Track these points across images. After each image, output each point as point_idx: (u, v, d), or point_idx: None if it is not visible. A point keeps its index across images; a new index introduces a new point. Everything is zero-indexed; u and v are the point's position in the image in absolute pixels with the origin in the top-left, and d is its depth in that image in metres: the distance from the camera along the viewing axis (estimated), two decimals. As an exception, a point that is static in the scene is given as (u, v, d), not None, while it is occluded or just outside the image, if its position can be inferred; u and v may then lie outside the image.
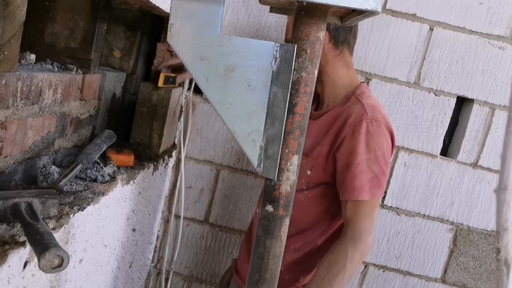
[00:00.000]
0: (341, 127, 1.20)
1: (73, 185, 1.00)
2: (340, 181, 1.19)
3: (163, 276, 1.84)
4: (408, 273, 1.77)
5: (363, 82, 1.30)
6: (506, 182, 0.44)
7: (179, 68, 1.51)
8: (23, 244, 0.70)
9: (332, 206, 1.25)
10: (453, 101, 1.67)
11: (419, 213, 1.73)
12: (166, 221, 1.81)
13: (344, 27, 1.24)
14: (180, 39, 0.62)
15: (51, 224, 0.80)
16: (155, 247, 1.82)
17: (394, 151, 1.69)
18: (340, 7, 0.59)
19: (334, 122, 1.22)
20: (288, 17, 1.38)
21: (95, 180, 1.07)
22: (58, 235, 0.80)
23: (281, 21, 1.66)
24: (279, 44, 0.62)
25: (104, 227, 1.08)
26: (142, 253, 1.60)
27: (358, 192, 1.15)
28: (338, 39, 1.23)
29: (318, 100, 1.35)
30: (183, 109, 1.72)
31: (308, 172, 1.25)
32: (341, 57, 1.26)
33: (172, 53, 1.60)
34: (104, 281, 1.20)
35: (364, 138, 1.15)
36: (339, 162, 1.19)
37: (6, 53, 0.79)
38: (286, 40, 1.39)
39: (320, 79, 1.28)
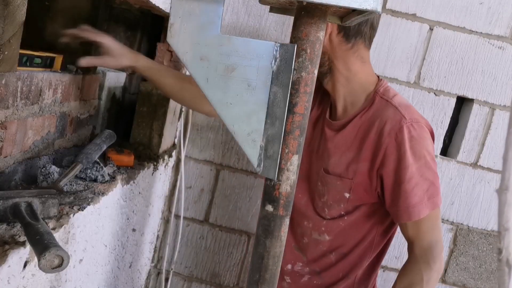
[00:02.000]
0: (378, 137, 1.06)
1: (73, 185, 1.00)
2: (392, 202, 1.06)
3: (163, 276, 1.84)
4: (408, 273, 1.77)
5: (381, 78, 1.18)
6: (508, 183, 0.44)
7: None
8: (23, 244, 0.70)
9: (378, 226, 1.15)
10: (453, 101, 1.67)
11: (419, 213, 1.73)
12: (166, 221, 1.81)
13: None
14: (180, 39, 0.62)
15: (51, 224, 0.80)
16: (155, 247, 1.82)
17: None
18: (340, 7, 0.59)
19: (367, 132, 1.08)
20: None
21: (95, 180, 1.07)
22: (58, 235, 0.80)
23: (281, 21, 1.66)
24: (279, 44, 0.62)
25: (104, 227, 1.09)
26: (142, 253, 1.60)
27: (418, 210, 1.03)
28: (349, 31, 1.09)
29: (329, 104, 1.21)
30: (183, 109, 1.72)
31: (347, 195, 1.11)
32: (354, 51, 1.11)
33: (172, 53, 1.60)
34: (104, 281, 1.20)
35: (409, 146, 1.02)
36: (386, 180, 1.05)
37: (6, 53, 0.79)
38: None
39: (330, 77, 1.14)
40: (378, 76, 1.19)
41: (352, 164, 1.09)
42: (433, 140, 1.10)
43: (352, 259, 1.19)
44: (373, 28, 1.16)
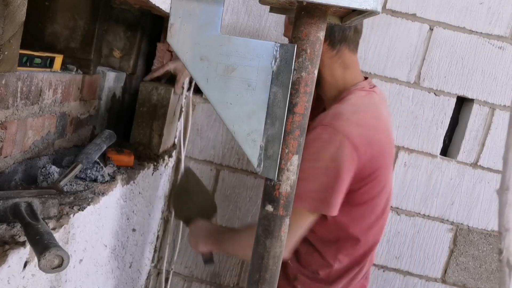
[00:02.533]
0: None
1: (73, 185, 1.00)
2: None
3: (163, 276, 1.84)
4: (408, 273, 1.77)
5: (365, 80, 1.20)
6: (508, 183, 0.44)
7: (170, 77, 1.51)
8: (23, 244, 0.70)
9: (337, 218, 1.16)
10: (453, 101, 1.67)
11: (419, 213, 1.73)
12: (166, 221, 1.81)
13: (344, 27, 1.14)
14: (180, 39, 0.62)
15: (51, 224, 0.80)
16: (155, 247, 1.82)
17: (394, 151, 1.69)
18: (340, 7, 0.59)
19: None
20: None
21: (95, 180, 1.07)
22: (58, 235, 0.80)
23: (281, 21, 1.66)
24: (279, 44, 0.62)
25: (104, 227, 1.09)
26: (142, 253, 1.60)
27: (296, 200, 1.08)
28: (335, 38, 1.13)
29: (323, 109, 1.25)
30: (183, 109, 1.72)
31: None
32: (339, 57, 1.16)
33: (172, 53, 1.60)
34: (104, 281, 1.20)
35: (314, 144, 1.04)
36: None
37: (6, 53, 0.79)
38: (285, 36, 1.35)
39: (318, 83, 1.17)
40: (366, 77, 1.22)
41: None
42: (356, 149, 1.06)
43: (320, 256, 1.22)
44: (357, 32, 1.18)
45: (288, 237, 1.07)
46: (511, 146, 0.43)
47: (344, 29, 1.13)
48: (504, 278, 0.45)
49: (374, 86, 1.23)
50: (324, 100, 1.23)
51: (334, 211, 1.07)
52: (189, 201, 1.51)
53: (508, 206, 0.44)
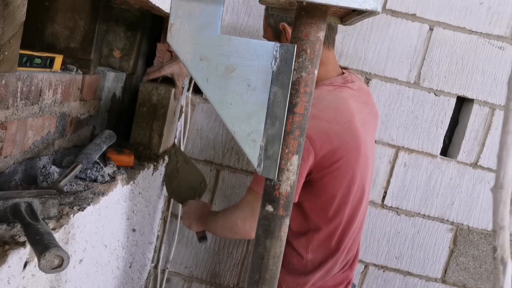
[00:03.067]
0: None
1: (73, 185, 1.00)
2: None
3: (163, 276, 1.84)
4: (408, 273, 1.77)
5: (339, 76, 1.24)
6: (503, 181, 0.44)
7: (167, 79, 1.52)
8: (23, 244, 0.70)
9: (304, 216, 1.23)
10: (453, 101, 1.67)
11: (419, 213, 1.73)
12: (166, 221, 1.81)
13: None
14: (180, 39, 0.62)
15: (51, 224, 0.80)
16: (155, 247, 1.82)
17: (394, 151, 1.70)
18: (340, 7, 0.59)
19: None
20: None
21: (95, 180, 1.06)
22: (58, 235, 0.80)
23: (281, 21, 1.66)
24: (279, 44, 0.62)
25: (104, 227, 1.08)
26: (142, 253, 1.60)
27: (253, 182, 1.20)
28: None
29: None
30: (183, 109, 1.72)
31: None
32: None
33: (172, 54, 1.60)
34: (104, 281, 1.20)
35: None
36: None
37: (6, 53, 0.79)
38: (264, 38, 1.31)
39: None
40: (343, 72, 1.27)
41: None
42: (313, 146, 1.11)
43: (295, 247, 1.27)
44: (332, 28, 1.22)
45: (250, 217, 1.17)
46: (505, 144, 0.44)
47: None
48: (498, 276, 0.45)
49: (351, 82, 1.26)
50: None
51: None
52: (180, 181, 1.59)
53: (502, 204, 0.44)
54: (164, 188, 1.67)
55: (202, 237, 1.52)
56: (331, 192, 1.20)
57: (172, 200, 1.79)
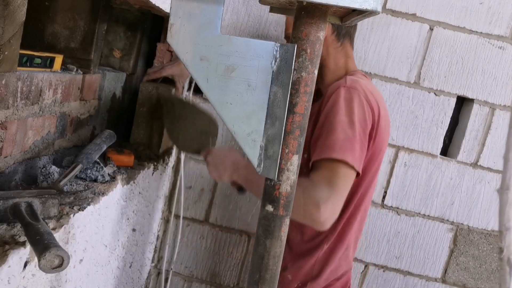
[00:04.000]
0: (322, 103, 1.16)
1: (73, 185, 1.00)
2: (314, 140, 1.10)
3: (163, 276, 1.84)
4: (408, 273, 1.77)
5: (361, 71, 1.31)
6: (509, 183, 0.44)
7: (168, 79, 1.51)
8: (23, 244, 0.70)
9: None
10: (453, 101, 1.67)
11: (419, 213, 1.73)
12: (166, 221, 1.81)
13: None
14: (180, 39, 0.62)
15: (51, 224, 0.80)
16: (155, 247, 1.82)
17: (394, 151, 1.70)
18: (340, 7, 0.59)
19: (319, 104, 1.18)
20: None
21: (95, 180, 1.07)
22: (58, 235, 0.80)
23: (281, 20, 1.66)
24: (279, 44, 0.62)
25: (104, 227, 1.09)
26: (142, 253, 1.60)
27: (326, 150, 1.04)
28: (341, 32, 1.25)
29: (318, 95, 1.29)
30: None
31: (305, 155, 1.16)
32: (342, 48, 1.27)
33: (172, 54, 1.60)
34: (104, 281, 1.20)
35: (340, 103, 1.09)
36: (316, 129, 1.11)
37: (6, 53, 0.79)
38: (286, 36, 1.38)
39: (320, 73, 1.19)
40: (360, 70, 1.33)
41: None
42: (376, 116, 1.13)
43: (313, 239, 1.22)
44: (355, 28, 1.32)
45: (328, 197, 1.00)
46: (511, 145, 0.44)
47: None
48: (504, 277, 0.45)
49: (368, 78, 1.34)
50: (323, 86, 1.29)
51: (358, 164, 1.05)
52: (185, 129, 1.37)
53: (508, 205, 0.44)
54: (165, 188, 1.68)
55: (240, 188, 1.28)
56: (365, 172, 1.15)
57: (173, 199, 1.78)
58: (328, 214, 1.01)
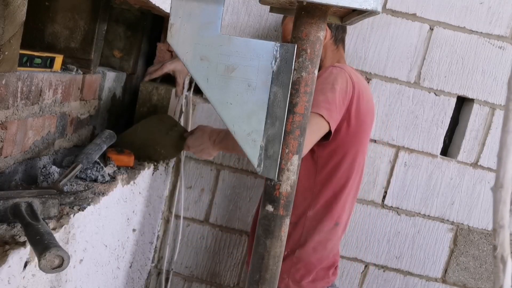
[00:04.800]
0: None
1: (74, 185, 1.00)
2: None
3: (164, 276, 1.84)
4: (408, 273, 1.77)
5: (352, 67, 1.42)
6: (503, 181, 0.44)
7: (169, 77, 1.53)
8: (23, 244, 0.70)
9: (314, 175, 1.31)
10: (453, 101, 1.67)
11: (420, 213, 1.73)
12: (167, 221, 1.81)
13: (342, 28, 1.42)
14: (180, 39, 0.62)
15: (51, 224, 0.80)
16: (156, 247, 1.82)
17: (394, 151, 1.70)
18: (340, 7, 0.59)
19: None
20: (285, 19, 1.42)
21: (95, 180, 1.06)
22: (58, 235, 0.80)
23: (281, 21, 1.66)
24: (279, 44, 0.62)
25: (104, 227, 1.08)
26: (142, 253, 1.60)
27: (313, 107, 1.18)
28: (338, 37, 1.41)
29: None
30: (183, 109, 1.72)
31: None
32: (337, 51, 1.43)
33: (172, 54, 1.60)
34: (105, 281, 1.20)
35: (327, 74, 1.26)
36: None
37: (6, 53, 0.79)
38: (284, 42, 1.43)
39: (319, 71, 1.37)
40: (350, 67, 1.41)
41: None
42: (353, 86, 1.26)
43: (296, 207, 1.30)
44: (346, 32, 1.46)
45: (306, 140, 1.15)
46: (505, 144, 0.44)
47: (343, 31, 1.43)
48: (498, 274, 0.46)
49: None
50: None
51: (332, 121, 1.20)
52: (158, 140, 1.41)
53: (502, 203, 0.45)
54: (165, 188, 1.68)
55: None
56: (347, 144, 1.29)
57: (173, 199, 1.79)
58: None
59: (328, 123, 1.18)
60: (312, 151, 1.29)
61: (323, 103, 1.19)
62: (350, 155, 1.31)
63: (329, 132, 1.21)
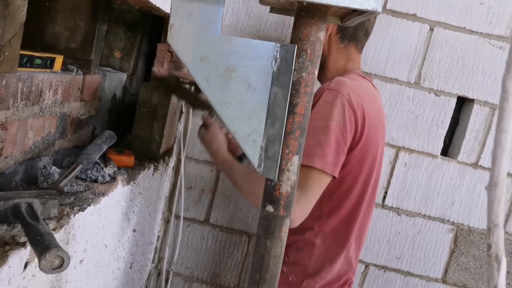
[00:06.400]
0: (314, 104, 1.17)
1: (74, 186, 1.00)
2: None
3: (164, 277, 1.84)
4: (408, 273, 1.77)
5: (358, 72, 1.28)
6: (497, 180, 0.44)
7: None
8: (23, 244, 0.70)
9: (321, 199, 1.18)
10: (453, 101, 1.67)
11: (420, 213, 1.73)
12: (167, 221, 1.81)
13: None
14: (180, 39, 0.62)
15: (51, 225, 0.80)
16: (156, 247, 1.82)
17: (394, 151, 1.69)
18: (340, 7, 0.59)
19: None
20: None
21: (95, 181, 1.07)
22: (58, 236, 0.80)
23: (281, 21, 1.66)
24: (279, 45, 0.62)
25: (104, 228, 1.09)
26: (142, 254, 1.60)
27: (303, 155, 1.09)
28: (346, 33, 1.24)
29: None
30: (183, 110, 1.72)
31: None
32: (345, 50, 1.27)
33: (172, 54, 1.60)
34: (105, 281, 1.20)
35: (319, 106, 1.11)
36: None
37: (6, 54, 0.79)
38: None
39: (321, 72, 1.28)
40: (357, 72, 1.30)
41: None
42: (355, 113, 1.12)
43: (304, 233, 1.23)
44: (367, 35, 1.30)
45: (297, 197, 1.04)
46: (499, 143, 0.44)
47: (357, 28, 1.24)
48: (493, 273, 0.46)
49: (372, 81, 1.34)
50: (322, 83, 1.32)
51: (330, 168, 1.08)
52: (194, 96, 1.44)
53: (496, 202, 0.45)
54: (165, 188, 1.67)
55: (242, 156, 1.33)
56: (355, 172, 1.18)
57: (173, 200, 1.78)
58: (296, 214, 1.08)
59: (326, 172, 1.08)
60: None
61: (316, 149, 1.08)
62: (360, 181, 1.21)
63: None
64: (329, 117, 1.09)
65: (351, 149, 1.15)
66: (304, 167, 1.05)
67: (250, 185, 1.17)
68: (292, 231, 1.25)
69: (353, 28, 1.24)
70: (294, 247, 1.26)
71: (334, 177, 1.11)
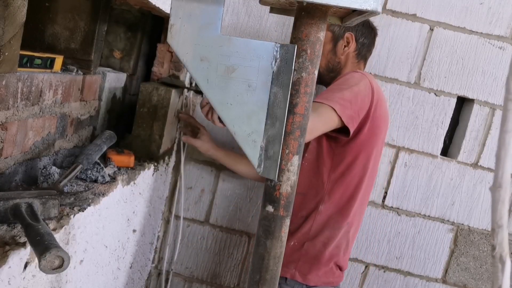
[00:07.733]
0: None
1: (74, 186, 1.00)
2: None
3: (164, 277, 1.84)
4: (408, 273, 1.77)
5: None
6: (501, 180, 0.44)
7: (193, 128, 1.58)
8: (23, 245, 0.70)
9: (329, 171, 1.33)
10: (453, 101, 1.67)
11: (420, 213, 1.73)
12: (167, 221, 1.81)
13: (368, 47, 1.45)
14: (181, 39, 0.62)
15: (51, 225, 0.80)
16: (156, 247, 1.82)
17: (394, 151, 1.70)
18: (340, 7, 0.59)
19: None
20: None
21: (95, 181, 1.06)
22: (58, 236, 0.80)
23: (281, 21, 1.66)
24: (279, 45, 0.62)
25: (104, 228, 1.08)
26: (142, 254, 1.60)
27: (321, 98, 1.20)
28: (361, 53, 1.44)
29: None
30: (183, 110, 1.72)
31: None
32: (357, 65, 1.45)
33: (172, 54, 1.60)
34: (105, 282, 1.20)
35: (349, 76, 1.30)
36: None
37: (6, 54, 0.79)
38: None
39: (332, 77, 1.43)
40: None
41: None
42: (373, 93, 1.28)
43: (308, 201, 1.35)
44: (370, 52, 1.49)
45: (311, 125, 1.11)
46: (504, 143, 0.44)
47: (367, 51, 1.45)
48: (497, 274, 0.46)
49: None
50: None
51: (346, 117, 1.19)
52: None
53: (501, 203, 0.45)
54: (165, 189, 1.67)
55: None
56: (361, 148, 1.30)
57: (173, 200, 1.78)
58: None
59: (340, 118, 1.18)
60: (329, 146, 1.32)
61: (338, 99, 1.19)
62: (362, 157, 1.32)
63: (346, 129, 1.22)
64: (355, 85, 1.24)
65: (364, 122, 1.26)
66: (322, 104, 1.18)
67: (236, 166, 1.52)
68: (296, 199, 1.38)
69: (366, 50, 1.45)
70: (300, 215, 1.35)
71: (344, 129, 1.21)
